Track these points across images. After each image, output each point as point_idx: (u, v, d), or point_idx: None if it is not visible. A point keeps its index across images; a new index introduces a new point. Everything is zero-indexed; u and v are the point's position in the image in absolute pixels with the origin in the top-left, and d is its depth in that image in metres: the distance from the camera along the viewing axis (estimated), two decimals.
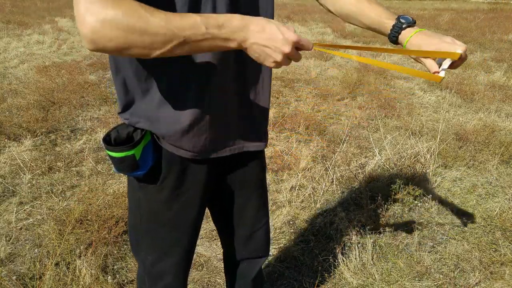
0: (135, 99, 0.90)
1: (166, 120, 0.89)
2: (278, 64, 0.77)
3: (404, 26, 0.92)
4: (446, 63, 0.85)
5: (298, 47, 0.77)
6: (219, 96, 0.91)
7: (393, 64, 0.87)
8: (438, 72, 0.85)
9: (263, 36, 0.73)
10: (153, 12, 0.68)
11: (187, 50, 0.72)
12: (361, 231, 2.19)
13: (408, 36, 0.91)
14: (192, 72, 0.86)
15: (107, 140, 0.89)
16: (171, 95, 0.87)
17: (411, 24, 0.93)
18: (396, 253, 2.09)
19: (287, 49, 0.74)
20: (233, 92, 0.93)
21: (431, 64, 0.87)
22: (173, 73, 0.85)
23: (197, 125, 0.91)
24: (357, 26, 1.06)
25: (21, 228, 2.19)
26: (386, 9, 0.99)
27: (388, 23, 0.95)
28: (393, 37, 0.95)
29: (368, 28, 1.02)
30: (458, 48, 0.84)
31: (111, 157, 0.89)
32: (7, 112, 3.71)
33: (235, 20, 0.73)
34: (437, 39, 0.88)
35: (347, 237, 2.15)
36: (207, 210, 1.16)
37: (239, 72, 0.92)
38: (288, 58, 0.77)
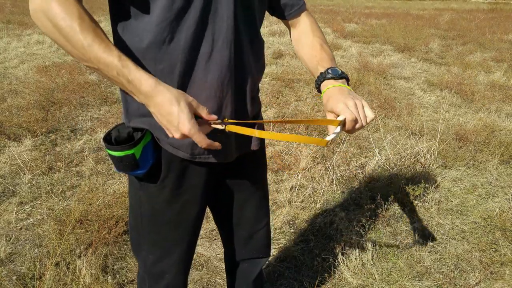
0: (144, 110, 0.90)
1: None
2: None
3: (328, 77, 0.93)
4: (336, 129, 0.84)
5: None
6: (221, 109, 0.92)
7: (286, 135, 0.85)
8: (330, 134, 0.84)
9: (161, 113, 0.78)
10: (84, 29, 0.73)
11: (103, 76, 0.78)
12: (361, 231, 2.19)
13: (325, 88, 0.92)
14: (195, 96, 0.87)
15: (107, 139, 0.90)
16: None
17: (336, 77, 0.93)
18: (396, 253, 2.09)
19: (177, 135, 0.79)
20: (232, 104, 0.93)
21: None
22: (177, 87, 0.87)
23: None
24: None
25: (21, 228, 2.19)
26: (329, 58, 0.99)
27: (319, 71, 0.96)
28: (317, 85, 0.96)
29: (311, 74, 1.03)
30: (345, 115, 0.83)
31: (111, 156, 0.90)
32: (7, 112, 3.71)
33: (145, 85, 0.76)
34: (340, 98, 0.86)
35: (347, 237, 2.15)
36: (207, 210, 1.16)
37: (237, 87, 0.93)
38: (183, 138, 0.80)
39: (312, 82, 5.13)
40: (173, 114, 0.76)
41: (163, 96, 0.76)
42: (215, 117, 0.83)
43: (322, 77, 0.94)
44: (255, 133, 0.86)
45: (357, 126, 0.85)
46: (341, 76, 0.93)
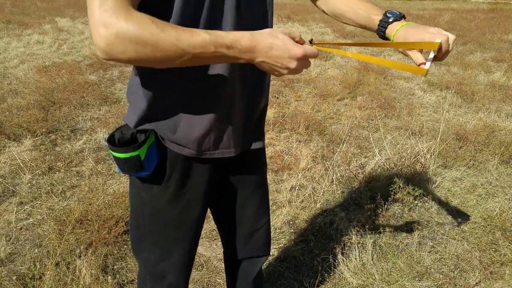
0: (157, 112, 0.91)
1: (183, 130, 0.92)
2: (286, 74, 0.81)
3: (390, 20, 0.93)
4: (431, 55, 0.85)
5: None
6: (229, 103, 0.93)
7: (377, 58, 0.88)
8: (424, 64, 0.85)
9: (270, 55, 0.77)
10: (163, 28, 0.70)
11: (198, 63, 0.76)
12: (361, 231, 2.19)
13: (394, 30, 0.92)
14: (207, 85, 0.88)
15: (111, 141, 0.90)
16: (190, 107, 0.90)
17: (398, 18, 0.93)
18: (396, 253, 2.09)
19: (293, 65, 0.78)
20: (239, 98, 0.95)
21: (416, 56, 0.88)
22: (192, 88, 0.88)
23: (211, 131, 0.93)
24: (348, 24, 1.07)
25: (21, 228, 2.19)
26: (374, 5, 1.00)
27: (376, 18, 0.96)
28: (381, 32, 0.95)
29: (358, 25, 1.02)
30: (439, 38, 0.84)
31: (116, 158, 0.89)
32: (7, 112, 3.71)
33: (244, 41, 0.75)
34: (421, 30, 0.88)
35: (347, 237, 2.15)
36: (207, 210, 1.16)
37: (244, 81, 0.94)
38: (296, 69, 0.80)
39: (313, 81, 5.13)
40: (280, 48, 0.76)
41: (263, 41, 0.76)
42: (304, 40, 0.85)
43: (385, 23, 0.94)
44: (347, 54, 0.90)
45: (446, 49, 0.86)
46: (401, 16, 0.94)
